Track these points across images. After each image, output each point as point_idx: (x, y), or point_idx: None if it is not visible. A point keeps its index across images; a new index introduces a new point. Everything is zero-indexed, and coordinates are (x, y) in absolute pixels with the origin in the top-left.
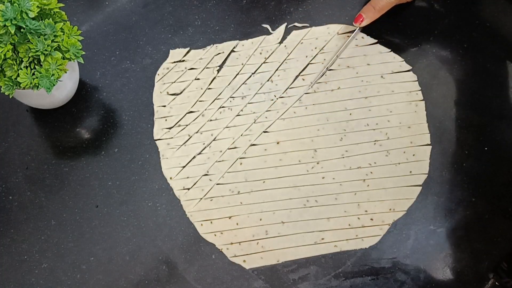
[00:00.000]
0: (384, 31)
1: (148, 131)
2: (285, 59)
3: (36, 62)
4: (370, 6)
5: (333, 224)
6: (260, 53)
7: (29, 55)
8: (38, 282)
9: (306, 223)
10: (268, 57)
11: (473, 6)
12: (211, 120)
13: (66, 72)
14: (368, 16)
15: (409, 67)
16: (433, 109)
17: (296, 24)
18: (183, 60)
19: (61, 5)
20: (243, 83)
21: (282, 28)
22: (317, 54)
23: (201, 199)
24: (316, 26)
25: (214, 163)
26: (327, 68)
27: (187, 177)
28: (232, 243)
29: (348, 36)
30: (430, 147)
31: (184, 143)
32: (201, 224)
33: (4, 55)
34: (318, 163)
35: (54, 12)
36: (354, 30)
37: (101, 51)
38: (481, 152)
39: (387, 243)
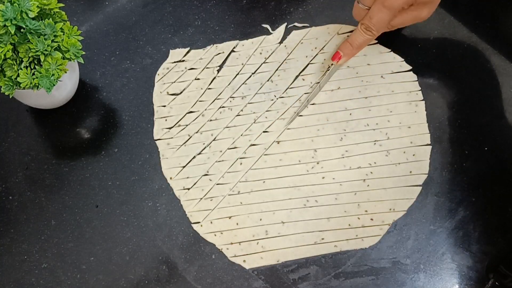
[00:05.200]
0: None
1: (148, 131)
2: (285, 59)
3: (36, 62)
4: (347, 43)
5: (333, 224)
6: (260, 53)
7: (29, 55)
8: (38, 282)
9: (306, 223)
10: (268, 57)
11: (473, 6)
12: (211, 120)
13: (66, 72)
14: (346, 53)
15: (409, 67)
16: (433, 109)
17: (296, 24)
18: (183, 60)
19: (61, 5)
20: (243, 83)
21: (282, 28)
22: (317, 54)
23: (201, 199)
24: (316, 26)
25: (214, 163)
26: (308, 101)
27: (187, 177)
28: (232, 243)
29: (329, 66)
30: (430, 147)
31: (184, 143)
32: (201, 225)
33: (4, 55)
34: (318, 163)
35: (54, 12)
36: (331, 66)
37: (101, 51)
38: (481, 152)
39: (387, 243)
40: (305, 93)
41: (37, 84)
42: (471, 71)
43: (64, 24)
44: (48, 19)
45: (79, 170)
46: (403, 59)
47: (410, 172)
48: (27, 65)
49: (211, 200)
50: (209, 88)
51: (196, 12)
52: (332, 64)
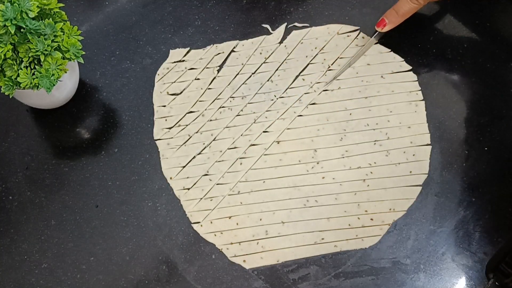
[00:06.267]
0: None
1: (148, 131)
2: (285, 59)
3: (36, 62)
4: (393, 10)
5: (333, 224)
6: (260, 53)
7: (29, 55)
8: (38, 282)
9: (306, 223)
10: (268, 57)
11: (473, 6)
12: (211, 120)
13: (66, 72)
14: (391, 21)
15: (409, 67)
16: (433, 109)
17: (296, 24)
18: (183, 60)
19: (61, 5)
20: (243, 83)
21: (282, 28)
22: (317, 54)
23: (201, 199)
24: (316, 26)
25: (214, 163)
26: (335, 78)
27: (187, 177)
28: (232, 243)
29: (371, 37)
30: (430, 147)
31: (184, 143)
32: (201, 225)
33: (4, 55)
34: (318, 163)
35: (54, 12)
36: (374, 34)
37: (101, 51)
38: (481, 152)
39: (387, 243)
40: (305, 93)
41: (37, 84)
42: (471, 71)
43: (64, 24)
44: (48, 19)
45: (79, 170)
46: (403, 59)
47: (410, 172)
48: (27, 65)
49: (211, 200)
50: (209, 88)
51: (196, 12)
52: (377, 32)
